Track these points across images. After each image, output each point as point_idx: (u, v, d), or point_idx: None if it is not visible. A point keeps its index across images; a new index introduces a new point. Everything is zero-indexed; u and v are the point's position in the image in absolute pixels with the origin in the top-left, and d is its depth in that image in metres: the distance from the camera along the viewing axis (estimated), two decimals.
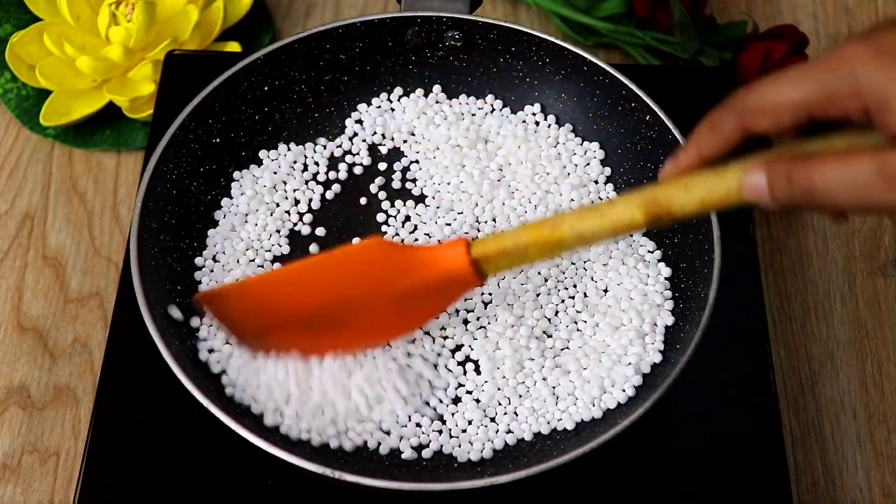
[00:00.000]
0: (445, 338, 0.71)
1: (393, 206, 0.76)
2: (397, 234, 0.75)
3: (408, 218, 0.76)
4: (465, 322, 0.71)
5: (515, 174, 0.77)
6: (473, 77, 0.80)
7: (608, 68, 0.75)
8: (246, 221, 0.75)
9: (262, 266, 0.73)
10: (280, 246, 0.74)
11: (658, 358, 0.69)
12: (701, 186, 0.56)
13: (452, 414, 0.68)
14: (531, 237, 0.61)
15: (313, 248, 0.74)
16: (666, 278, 0.72)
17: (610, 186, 0.77)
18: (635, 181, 0.76)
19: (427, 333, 0.71)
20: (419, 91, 0.80)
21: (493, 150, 0.78)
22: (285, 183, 0.77)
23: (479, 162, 0.77)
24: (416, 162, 0.78)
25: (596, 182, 0.77)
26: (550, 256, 0.62)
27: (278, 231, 0.75)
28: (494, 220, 0.75)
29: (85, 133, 0.86)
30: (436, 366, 0.69)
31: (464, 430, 0.68)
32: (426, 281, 0.64)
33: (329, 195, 0.77)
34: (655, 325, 0.70)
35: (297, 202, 0.76)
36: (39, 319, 0.79)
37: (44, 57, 0.84)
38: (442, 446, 0.67)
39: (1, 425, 0.75)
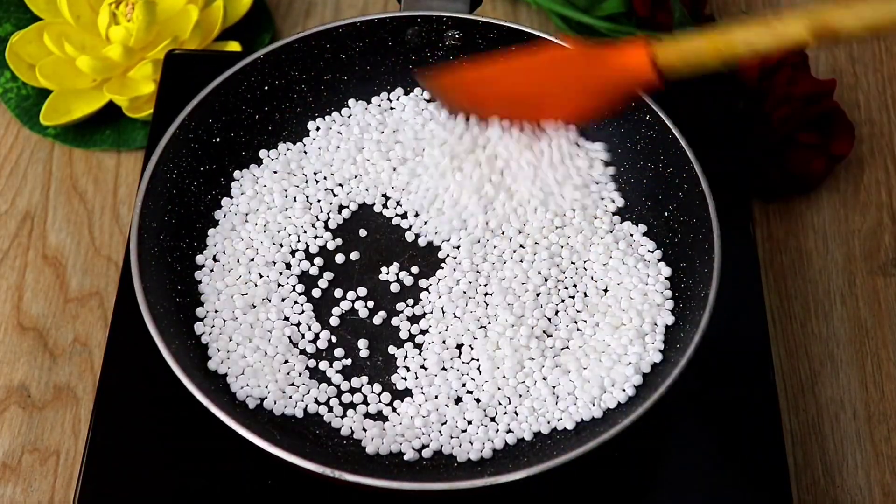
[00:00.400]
0: (445, 340, 0.71)
1: (392, 206, 0.76)
2: (400, 229, 0.75)
3: (405, 215, 0.76)
4: (466, 322, 0.71)
5: (516, 178, 0.77)
6: None
7: None
8: (246, 221, 0.75)
9: (262, 266, 0.73)
10: (281, 246, 0.74)
11: (658, 357, 0.69)
12: (868, 10, 0.59)
13: (453, 414, 0.68)
14: (708, 45, 0.65)
15: (313, 247, 0.74)
16: (666, 278, 0.72)
17: (612, 186, 0.77)
18: (635, 181, 0.76)
19: (425, 332, 0.71)
20: (419, 91, 0.80)
21: (491, 152, 0.78)
22: (285, 182, 0.77)
23: (478, 166, 0.77)
24: (415, 161, 0.78)
25: (597, 182, 0.77)
26: (723, 64, 0.66)
27: (279, 231, 0.75)
28: (488, 223, 0.75)
29: (85, 133, 0.86)
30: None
31: (464, 430, 0.68)
32: (612, 78, 0.69)
33: (329, 194, 0.77)
34: (655, 324, 0.70)
35: (296, 201, 0.76)
36: (39, 319, 0.79)
37: (44, 56, 0.84)
38: (442, 446, 0.67)
39: (1, 425, 0.75)
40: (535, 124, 0.74)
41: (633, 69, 0.67)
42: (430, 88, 0.77)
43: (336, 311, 0.72)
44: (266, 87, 0.77)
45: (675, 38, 0.67)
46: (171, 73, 0.82)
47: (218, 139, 0.76)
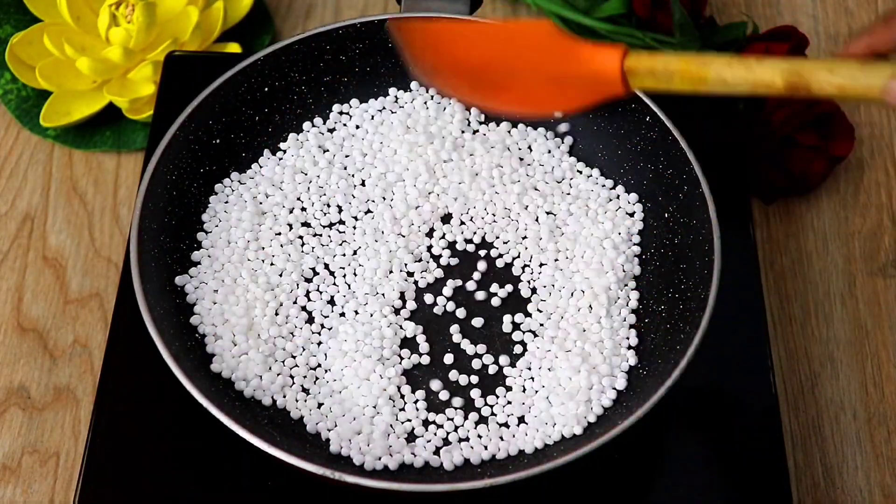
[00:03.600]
0: (448, 345, 0.71)
1: (394, 207, 0.77)
2: (400, 229, 0.75)
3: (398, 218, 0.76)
4: (465, 323, 0.71)
5: (513, 183, 0.77)
6: None
7: None
8: (241, 220, 0.75)
9: (257, 267, 0.73)
10: (282, 246, 0.74)
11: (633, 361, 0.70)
12: (845, 73, 0.58)
13: (456, 427, 0.68)
14: (680, 66, 0.64)
15: (313, 247, 0.74)
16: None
17: (610, 182, 0.77)
18: (636, 182, 0.76)
19: (424, 331, 0.71)
20: (418, 91, 0.80)
21: (488, 162, 0.78)
22: (283, 182, 0.77)
23: (474, 176, 0.77)
24: (412, 160, 0.78)
25: (597, 183, 0.77)
26: (692, 90, 0.64)
27: (279, 233, 0.75)
28: (484, 230, 0.75)
29: (85, 134, 0.86)
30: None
31: (467, 439, 0.68)
32: (579, 72, 0.67)
33: (329, 195, 0.77)
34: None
35: (296, 201, 0.76)
36: (39, 320, 0.79)
37: (44, 58, 0.84)
38: (441, 449, 0.67)
39: (1, 426, 0.75)
40: (494, 107, 0.74)
41: (601, 69, 0.66)
42: (402, 40, 0.75)
43: (336, 311, 0.72)
44: (266, 89, 0.77)
45: (653, 52, 0.66)
46: (171, 75, 0.82)
47: (218, 140, 0.76)
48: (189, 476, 0.68)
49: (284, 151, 0.78)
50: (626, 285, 0.73)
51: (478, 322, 0.72)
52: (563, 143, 0.79)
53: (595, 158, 0.78)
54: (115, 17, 0.83)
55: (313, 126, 0.79)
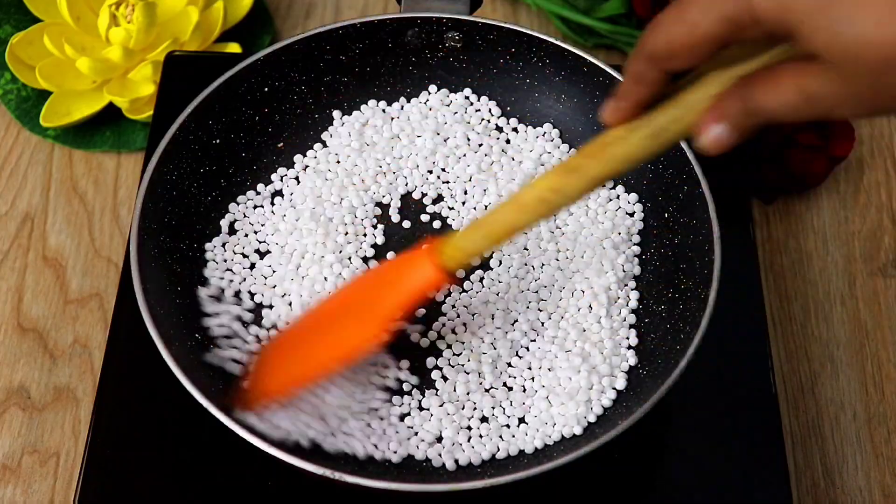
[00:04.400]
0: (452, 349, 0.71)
1: (386, 206, 0.77)
2: (406, 230, 0.75)
3: (390, 220, 0.76)
4: (463, 323, 0.71)
5: (511, 181, 0.77)
6: (473, 78, 0.80)
7: (607, 69, 0.75)
8: (247, 221, 0.75)
9: (255, 267, 0.73)
10: (282, 247, 0.74)
11: (633, 362, 0.70)
12: (639, 137, 0.54)
13: (453, 418, 0.68)
14: (469, 237, 0.61)
15: (312, 245, 0.74)
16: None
17: (609, 182, 0.77)
18: (635, 182, 0.76)
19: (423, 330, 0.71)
20: (417, 92, 0.80)
21: (486, 164, 0.78)
22: (282, 182, 0.77)
23: (470, 178, 0.77)
24: (408, 161, 0.78)
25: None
26: (508, 241, 0.61)
27: (278, 232, 0.75)
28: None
29: (85, 134, 0.86)
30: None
31: (468, 439, 0.68)
32: (406, 290, 0.64)
33: (327, 196, 0.77)
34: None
35: (296, 200, 0.76)
36: (39, 320, 0.79)
37: (44, 58, 0.84)
38: (441, 451, 0.67)
39: (1, 426, 0.75)
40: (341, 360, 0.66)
41: (421, 275, 0.62)
42: (259, 401, 0.65)
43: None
44: (266, 89, 0.77)
45: (452, 237, 0.62)
46: (171, 75, 0.82)
47: (218, 140, 0.76)
48: (189, 476, 0.68)
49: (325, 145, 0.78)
50: (625, 285, 0.73)
51: (478, 321, 0.72)
52: (562, 142, 0.79)
53: None
54: (115, 17, 0.83)
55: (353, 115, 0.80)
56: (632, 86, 0.53)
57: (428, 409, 0.68)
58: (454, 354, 0.71)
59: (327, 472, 0.61)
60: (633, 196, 0.76)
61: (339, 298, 0.69)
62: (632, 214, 0.76)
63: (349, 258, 0.74)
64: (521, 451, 0.67)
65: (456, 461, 0.66)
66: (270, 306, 0.72)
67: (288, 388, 0.65)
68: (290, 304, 0.72)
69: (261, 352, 0.69)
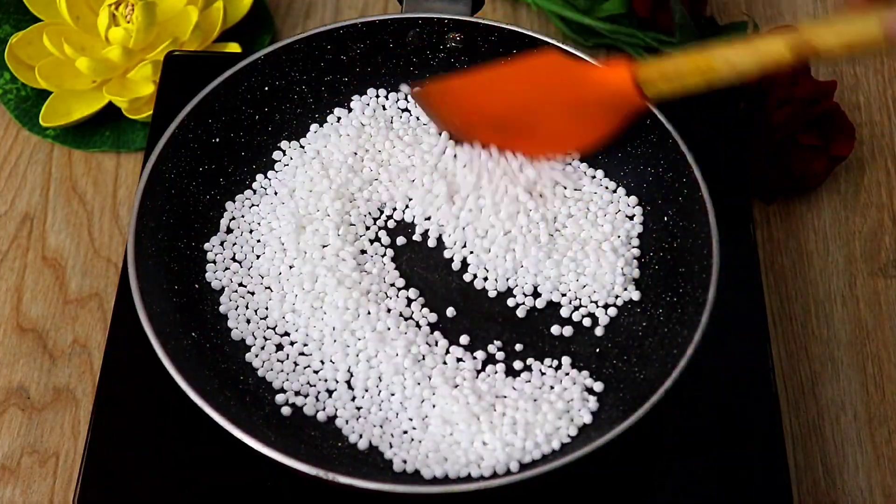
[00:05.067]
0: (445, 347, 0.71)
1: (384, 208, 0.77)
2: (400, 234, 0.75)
3: (388, 223, 0.76)
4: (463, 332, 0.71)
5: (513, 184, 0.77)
6: None
7: None
8: (245, 219, 0.75)
9: (250, 268, 0.73)
10: (283, 245, 0.74)
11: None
12: (846, 28, 0.61)
13: (452, 421, 0.68)
14: (688, 63, 0.66)
15: (311, 245, 0.74)
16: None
17: (612, 184, 0.77)
18: (635, 185, 0.76)
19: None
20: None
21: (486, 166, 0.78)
22: (279, 180, 0.77)
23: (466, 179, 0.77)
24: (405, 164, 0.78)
25: (601, 185, 0.77)
26: (706, 83, 0.67)
27: (278, 229, 0.75)
28: (479, 235, 0.75)
29: (84, 134, 0.86)
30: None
31: (472, 443, 0.67)
32: (595, 95, 0.70)
33: (328, 195, 0.77)
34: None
35: (297, 201, 0.76)
36: (39, 320, 0.79)
37: (43, 57, 0.84)
38: (437, 454, 0.67)
39: (0, 426, 0.75)
40: (528, 152, 0.74)
41: (615, 86, 0.68)
42: (422, 104, 0.77)
43: (334, 314, 0.72)
44: (266, 88, 0.77)
45: (658, 58, 0.68)
46: (171, 75, 0.82)
47: (217, 139, 0.76)
48: (188, 476, 0.68)
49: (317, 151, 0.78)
50: (625, 289, 0.73)
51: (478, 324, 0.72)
52: None
53: (595, 161, 0.78)
54: (114, 17, 0.83)
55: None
56: None
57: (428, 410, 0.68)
58: (449, 354, 0.71)
59: (320, 473, 0.61)
60: (633, 199, 0.76)
61: (526, 75, 0.72)
62: (631, 217, 0.76)
63: (345, 257, 0.74)
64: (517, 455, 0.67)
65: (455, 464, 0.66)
66: (268, 306, 0.72)
67: (478, 134, 0.74)
68: (289, 303, 0.72)
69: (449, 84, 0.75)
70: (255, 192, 0.76)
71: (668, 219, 0.74)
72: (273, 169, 0.77)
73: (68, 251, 0.82)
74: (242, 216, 0.75)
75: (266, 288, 0.72)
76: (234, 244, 0.74)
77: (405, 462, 0.66)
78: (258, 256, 0.74)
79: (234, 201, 0.76)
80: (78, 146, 0.86)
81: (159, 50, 0.83)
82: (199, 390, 0.63)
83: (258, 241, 0.74)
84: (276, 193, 0.76)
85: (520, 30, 0.77)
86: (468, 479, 0.64)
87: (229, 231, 0.75)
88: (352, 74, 0.79)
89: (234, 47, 0.88)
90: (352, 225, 0.75)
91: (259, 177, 0.77)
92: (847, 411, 0.77)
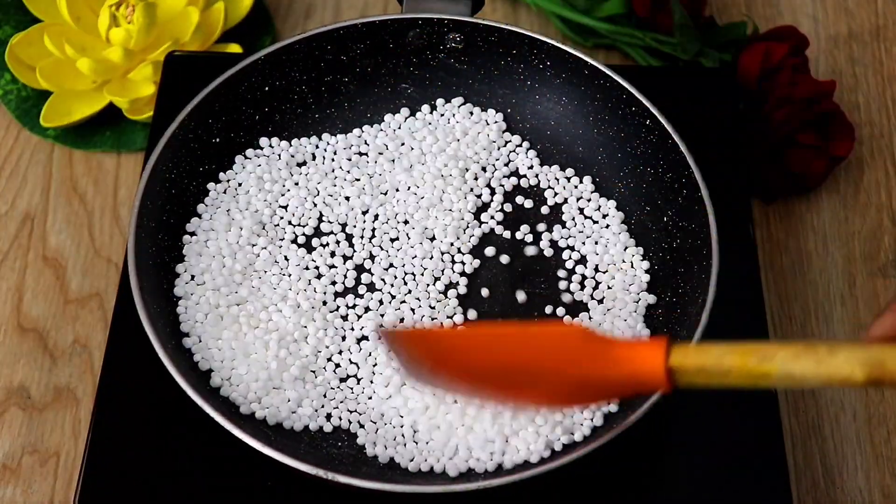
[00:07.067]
0: None
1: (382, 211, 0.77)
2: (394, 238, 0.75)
3: (378, 223, 0.76)
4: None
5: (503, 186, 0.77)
6: (474, 79, 0.80)
7: (608, 72, 0.75)
8: (232, 219, 0.75)
9: (245, 269, 0.73)
10: (277, 244, 0.74)
11: None
12: None
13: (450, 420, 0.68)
14: (736, 362, 0.56)
15: (307, 240, 0.74)
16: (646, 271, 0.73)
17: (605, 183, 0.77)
18: (635, 185, 0.76)
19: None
20: (416, 98, 0.80)
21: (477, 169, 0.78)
22: (274, 180, 0.77)
23: (464, 179, 0.77)
24: (404, 169, 0.78)
25: (595, 187, 0.77)
26: (751, 387, 0.56)
27: (269, 229, 0.75)
28: (473, 236, 0.76)
29: (85, 134, 0.86)
30: None
31: (467, 445, 0.67)
32: (616, 374, 0.59)
33: (326, 195, 0.77)
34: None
35: (290, 203, 0.76)
36: (39, 320, 0.79)
37: (44, 58, 0.84)
38: (435, 453, 0.67)
39: (1, 426, 0.75)
40: (508, 405, 0.66)
41: (642, 371, 0.58)
42: (392, 347, 0.64)
43: (330, 316, 0.72)
44: (266, 88, 0.77)
45: (701, 345, 0.58)
46: (172, 75, 0.82)
47: (218, 140, 0.76)
48: (189, 476, 0.67)
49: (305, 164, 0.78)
50: (625, 290, 0.73)
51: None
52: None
53: (595, 161, 0.78)
54: (115, 18, 0.83)
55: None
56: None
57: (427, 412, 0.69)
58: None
59: (320, 473, 0.61)
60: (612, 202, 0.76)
61: (538, 344, 0.61)
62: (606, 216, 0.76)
63: (338, 260, 0.74)
64: (517, 454, 0.67)
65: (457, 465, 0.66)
66: (266, 306, 0.72)
67: (444, 384, 0.63)
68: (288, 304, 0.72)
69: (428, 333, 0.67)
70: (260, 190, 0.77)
71: (668, 219, 0.74)
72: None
73: (69, 251, 0.82)
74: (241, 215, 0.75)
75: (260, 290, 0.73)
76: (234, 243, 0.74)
77: (404, 461, 0.66)
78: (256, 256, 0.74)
79: (236, 201, 0.76)
80: (78, 146, 0.86)
81: (160, 51, 0.83)
82: (199, 391, 0.63)
83: (254, 244, 0.74)
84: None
85: (520, 30, 0.77)
86: (468, 478, 0.64)
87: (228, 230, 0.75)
88: (352, 75, 0.79)
89: (234, 48, 0.88)
90: (354, 226, 0.76)
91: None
92: (846, 411, 0.77)
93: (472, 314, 0.72)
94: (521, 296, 0.73)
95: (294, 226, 0.75)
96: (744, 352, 0.55)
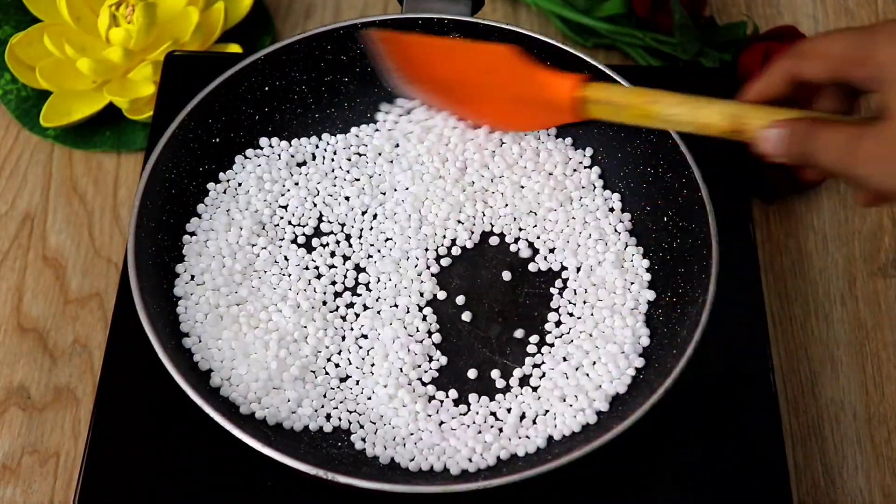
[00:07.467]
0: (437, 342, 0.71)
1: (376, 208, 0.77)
2: (394, 237, 0.75)
3: (376, 223, 0.76)
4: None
5: (503, 182, 0.77)
6: None
7: (608, 72, 0.75)
8: (232, 219, 0.75)
9: (244, 269, 0.73)
10: (277, 244, 0.74)
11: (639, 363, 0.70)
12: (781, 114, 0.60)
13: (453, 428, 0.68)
14: (630, 100, 0.67)
15: (307, 240, 0.74)
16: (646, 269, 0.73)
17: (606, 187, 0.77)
18: (635, 185, 0.76)
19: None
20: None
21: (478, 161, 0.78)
22: (273, 180, 0.77)
23: (463, 173, 0.77)
24: (401, 168, 0.78)
25: (595, 188, 0.77)
26: (639, 124, 0.68)
27: (269, 229, 0.75)
28: (472, 232, 0.76)
29: (85, 134, 0.86)
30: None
31: (466, 445, 0.67)
32: (536, 96, 0.72)
33: (326, 195, 0.77)
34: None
35: (290, 203, 0.76)
36: (39, 320, 0.79)
37: (44, 58, 0.84)
38: (436, 451, 0.67)
39: (1, 426, 0.75)
40: (467, 119, 0.77)
41: (553, 96, 0.70)
42: (378, 49, 0.77)
43: (330, 316, 0.72)
44: (266, 88, 0.77)
45: (611, 85, 0.70)
46: (172, 75, 0.82)
47: (218, 140, 0.76)
48: (189, 476, 0.68)
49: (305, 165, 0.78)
50: (627, 290, 0.73)
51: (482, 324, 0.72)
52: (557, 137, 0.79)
53: (595, 162, 0.78)
54: (115, 18, 0.83)
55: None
56: (762, 78, 0.62)
57: (420, 412, 0.69)
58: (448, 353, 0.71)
59: (320, 473, 0.61)
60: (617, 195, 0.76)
61: (482, 57, 0.74)
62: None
63: (336, 262, 0.74)
64: (516, 455, 0.67)
65: (457, 464, 0.66)
66: (266, 306, 0.72)
67: (425, 91, 0.77)
68: (282, 298, 0.72)
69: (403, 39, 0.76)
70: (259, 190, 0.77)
71: (668, 219, 0.74)
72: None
73: (69, 251, 0.82)
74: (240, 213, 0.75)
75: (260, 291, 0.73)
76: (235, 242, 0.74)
77: (404, 461, 0.66)
78: (256, 255, 0.74)
79: (236, 201, 0.76)
80: (78, 146, 0.86)
81: (160, 50, 0.83)
82: (199, 392, 0.63)
83: (253, 245, 0.74)
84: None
85: (519, 30, 0.77)
86: (468, 478, 0.64)
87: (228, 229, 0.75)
88: (352, 75, 0.79)
89: (234, 48, 0.88)
90: (353, 226, 0.76)
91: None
92: (846, 411, 0.77)
93: (466, 316, 0.72)
94: (518, 291, 0.73)
95: (294, 226, 0.75)
96: (639, 93, 0.67)
